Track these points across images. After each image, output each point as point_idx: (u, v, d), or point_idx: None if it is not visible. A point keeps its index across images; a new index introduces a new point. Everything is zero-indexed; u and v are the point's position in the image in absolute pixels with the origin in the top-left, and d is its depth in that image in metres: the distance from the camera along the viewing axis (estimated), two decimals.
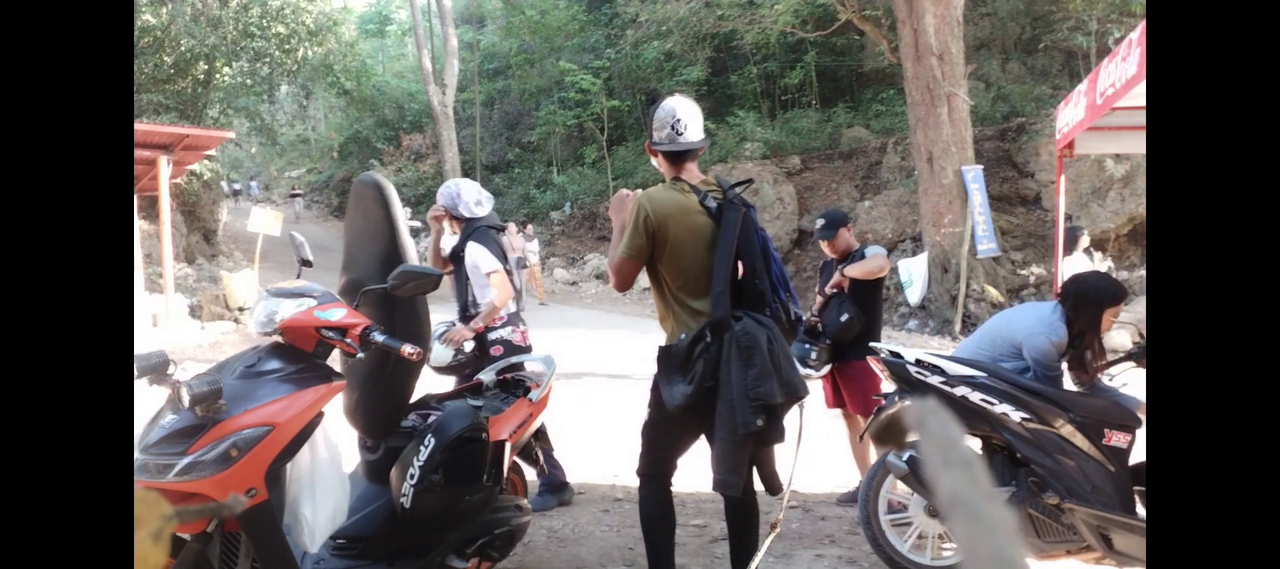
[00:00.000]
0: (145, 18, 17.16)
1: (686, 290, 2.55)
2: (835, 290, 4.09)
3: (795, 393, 2.49)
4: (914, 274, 11.45)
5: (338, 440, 2.50)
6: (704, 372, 2.41)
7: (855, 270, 3.99)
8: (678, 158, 2.62)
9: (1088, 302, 2.99)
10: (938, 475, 0.44)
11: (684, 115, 2.60)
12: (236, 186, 34.53)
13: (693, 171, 2.65)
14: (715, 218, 2.54)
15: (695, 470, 2.81)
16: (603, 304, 15.91)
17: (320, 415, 2.28)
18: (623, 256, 2.54)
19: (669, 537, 2.71)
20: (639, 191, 2.68)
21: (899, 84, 14.19)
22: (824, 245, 4.23)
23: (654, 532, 2.68)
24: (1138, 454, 2.77)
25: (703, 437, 2.73)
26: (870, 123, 18.29)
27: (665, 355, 2.50)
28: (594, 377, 7.69)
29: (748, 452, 2.50)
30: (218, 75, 19.04)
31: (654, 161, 2.72)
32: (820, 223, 4.22)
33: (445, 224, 3.94)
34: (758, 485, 2.73)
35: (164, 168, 10.35)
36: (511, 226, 16.32)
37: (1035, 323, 3.04)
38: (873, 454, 3.84)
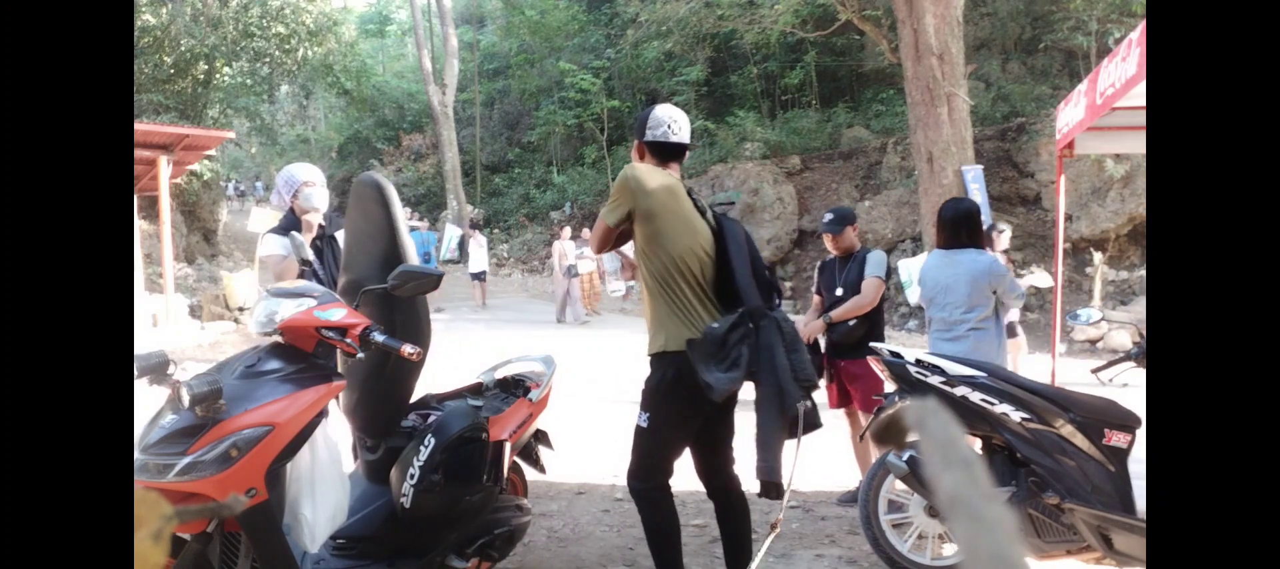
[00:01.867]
0: (145, 18, 17.16)
1: (709, 290, 2.59)
2: (835, 296, 4.11)
3: (815, 383, 2.60)
4: (914, 274, 11.45)
5: (337, 440, 2.50)
6: (749, 357, 2.43)
7: (842, 313, 3.98)
8: (669, 154, 2.68)
9: (973, 218, 3.60)
10: (938, 475, 0.44)
11: (677, 118, 2.70)
12: (241, 188, 34.48)
13: (677, 173, 2.70)
14: (712, 224, 2.64)
15: (694, 470, 2.81)
16: (602, 303, 15.89)
17: (320, 415, 2.28)
18: (610, 224, 2.58)
19: (677, 543, 2.68)
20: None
21: (899, 84, 14.19)
22: (827, 239, 4.20)
23: (662, 541, 2.64)
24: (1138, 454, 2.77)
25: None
26: (870, 123, 18.29)
27: (698, 346, 2.45)
28: (595, 376, 7.69)
29: (784, 437, 2.51)
30: (218, 75, 19.03)
31: (635, 158, 2.74)
32: (828, 217, 4.18)
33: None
34: (755, 486, 2.72)
35: (164, 168, 10.34)
36: (566, 231, 13.97)
37: (981, 259, 3.51)
38: (873, 454, 3.84)
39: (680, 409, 2.56)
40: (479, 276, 14.90)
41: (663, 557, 2.64)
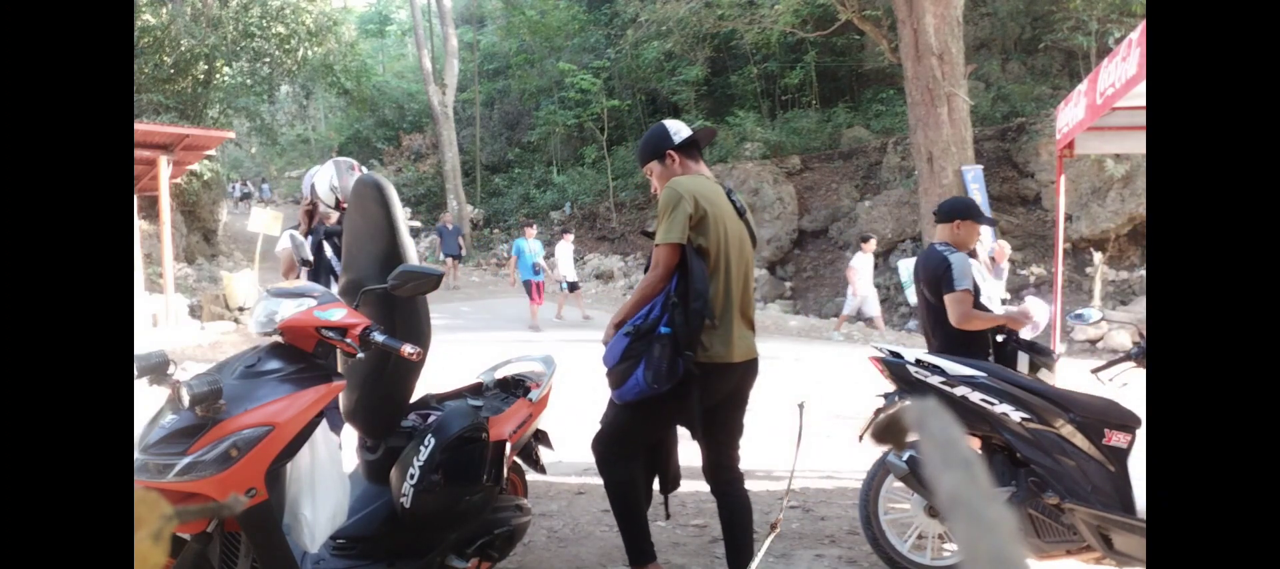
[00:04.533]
0: (145, 18, 17.16)
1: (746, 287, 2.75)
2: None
3: None
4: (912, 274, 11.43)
5: (337, 440, 2.49)
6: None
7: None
8: (697, 149, 2.78)
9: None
10: (938, 475, 0.44)
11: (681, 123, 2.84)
12: (246, 190, 34.36)
13: (706, 168, 2.79)
14: (752, 227, 2.78)
15: (694, 470, 2.81)
16: (602, 304, 15.90)
17: (320, 415, 2.28)
18: (681, 241, 2.56)
19: (640, 502, 2.73)
20: None
21: (899, 84, 14.19)
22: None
23: (629, 505, 2.69)
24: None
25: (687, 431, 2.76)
26: (870, 123, 18.30)
27: None
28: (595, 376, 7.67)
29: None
30: (218, 75, 19.04)
31: (669, 172, 2.74)
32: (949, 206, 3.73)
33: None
34: (760, 487, 2.73)
35: (164, 168, 10.34)
36: None
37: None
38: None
39: (667, 410, 2.59)
40: (572, 287, 12.77)
41: (623, 515, 2.70)
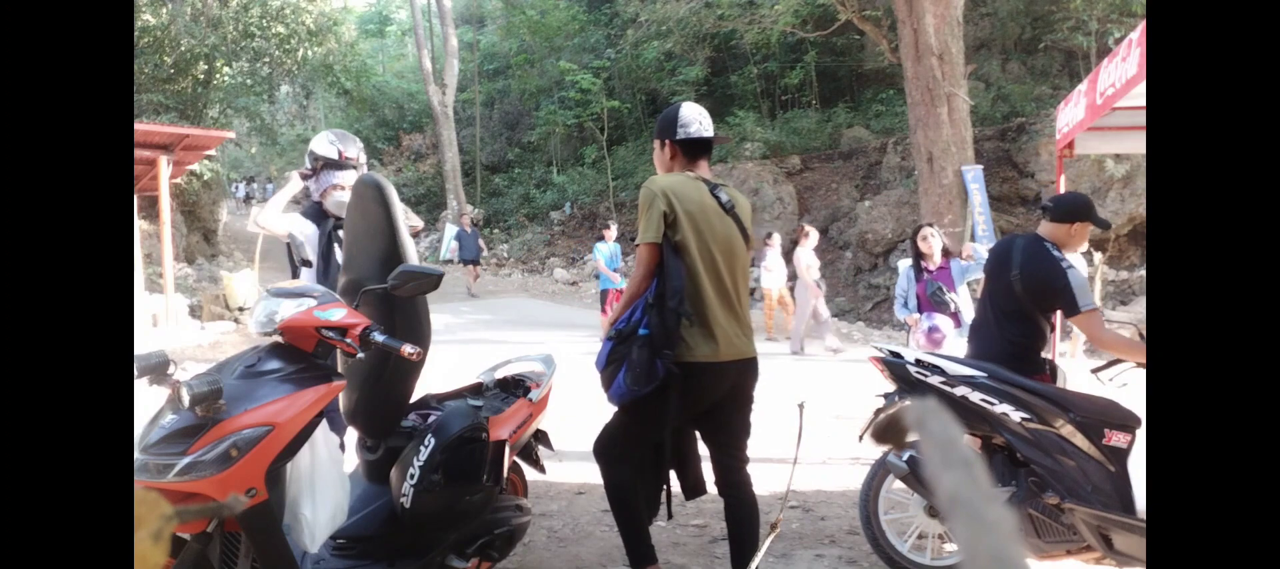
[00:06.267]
0: (145, 18, 17.17)
1: (731, 292, 2.74)
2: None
3: None
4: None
5: (338, 440, 2.49)
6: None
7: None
8: (699, 150, 2.72)
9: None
10: (938, 475, 0.44)
11: (702, 115, 2.75)
12: (250, 192, 34.28)
13: (706, 168, 2.75)
14: (739, 222, 2.71)
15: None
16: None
17: (320, 415, 2.28)
18: (658, 240, 2.56)
19: (637, 503, 2.73)
20: None
21: (899, 84, 14.19)
22: None
23: (627, 507, 2.69)
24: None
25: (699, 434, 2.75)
26: (870, 123, 18.30)
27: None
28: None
29: None
30: (218, 75, 19.06)
31: (662, 158, 2.74)
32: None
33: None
34: (760, 488, 2.73)
35: (164, 168, 10.34)
36: (810, 236, 10.17)
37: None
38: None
39: (655, 410, 2.58)
40: None
41: (621, 516, 2.71)
